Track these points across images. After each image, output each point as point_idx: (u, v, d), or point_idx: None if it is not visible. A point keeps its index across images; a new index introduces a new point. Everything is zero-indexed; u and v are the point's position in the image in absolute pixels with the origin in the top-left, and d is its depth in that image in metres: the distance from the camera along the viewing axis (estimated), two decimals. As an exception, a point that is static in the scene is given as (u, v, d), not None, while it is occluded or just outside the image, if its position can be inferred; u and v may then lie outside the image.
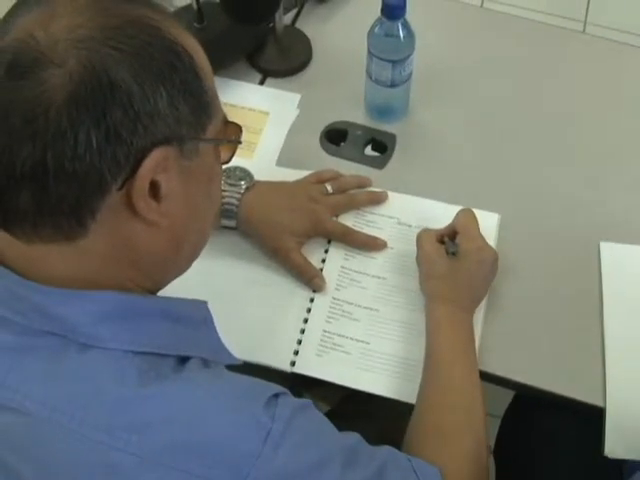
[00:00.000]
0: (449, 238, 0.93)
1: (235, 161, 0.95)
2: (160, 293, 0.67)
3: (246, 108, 1.13)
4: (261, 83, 1.17)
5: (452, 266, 0.89)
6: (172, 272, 0.67)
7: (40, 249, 0.58)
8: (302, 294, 0.96)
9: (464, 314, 0.88)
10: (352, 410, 1.02)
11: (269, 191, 0.98)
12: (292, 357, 0.91)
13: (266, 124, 1.12)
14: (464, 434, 0.79)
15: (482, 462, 0.78)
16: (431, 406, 0.82)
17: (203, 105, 0.59)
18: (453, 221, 0.94)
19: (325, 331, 0.93)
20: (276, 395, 0.60)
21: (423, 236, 0.93)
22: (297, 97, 1.14)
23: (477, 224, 0.93)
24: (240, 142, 0.67)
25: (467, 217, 0.94)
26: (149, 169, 0.55)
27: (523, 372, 0.90)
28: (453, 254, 0.89)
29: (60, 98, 0.52)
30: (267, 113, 1.13)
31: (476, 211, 1.00)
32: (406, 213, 1.00)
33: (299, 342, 0.92)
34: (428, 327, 0.88)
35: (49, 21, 0.53)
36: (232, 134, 0.66)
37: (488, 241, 0.98)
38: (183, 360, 0.60)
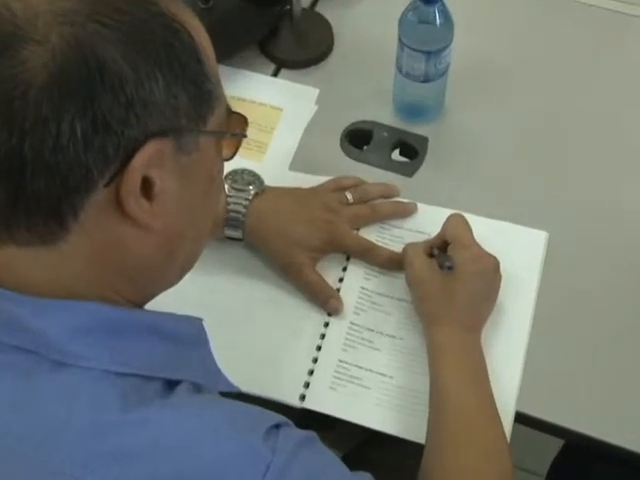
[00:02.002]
0: (440, 250, 0.93)
1: (243, 163, 0.98)
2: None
3: (256, 103, 1.14)
4: (274, 75, 1.19)
5: (448, 282, 0.90)
6: (161, 283, 0.68)
7: (13, 253, 0.58)
8: (316, 317, 0.96)
9: (469, 335, 0.89)
10: (371, 458, 1.02)
11: (281, 198, 0.99)
12: (302, 390, 0.91)
13: (279, 122, 1.13)
14: (486, 476, 0.79)
15: None
16: (442, 447, 0.82)
17: (204, 93, 0.60)
18: (442, 229, 0.95)
19: (341, 361, 0.93)
20: (277, 425, 0.60)
21: (410, 252, 0.94)
22: (315, 92, 1.16)
23: (470, 230, 0.94)
24: (245, 135, 0.68)
25: (458, 223, 0.94)
26: (141, 164, 0.56)
27: (573, 417, 0.90)
28: (449, 269, 0.89)
29: (41, 80, 0.52)
30: (280, 109, 1.14)
31: (521, 228, 1.01)
32: (438, 228, 0.99)
33: (310, 373, 0.92)
34: (429, 354, 0.89)
35: None
36: (236, 127, 0.66)
37: (534, 263, 0.98)
38: (172, 384, 0.61)
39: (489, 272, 0.92)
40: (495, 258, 0.92)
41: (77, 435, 0.56)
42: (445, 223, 0.95)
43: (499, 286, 0.93)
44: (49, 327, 0.58)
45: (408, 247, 0.95)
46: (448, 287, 0.90)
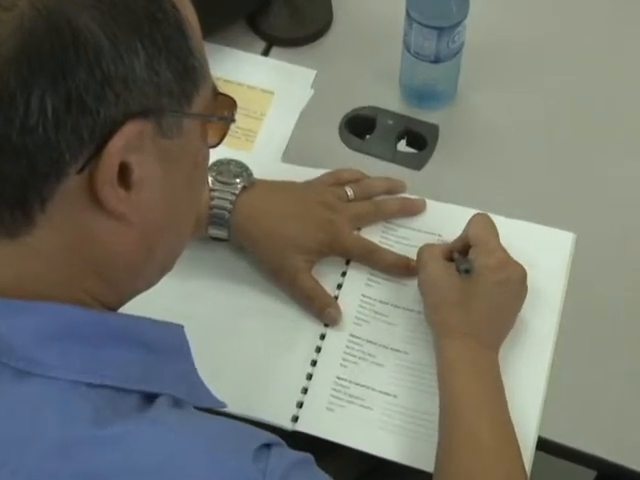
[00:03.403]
0: (460, 254, 0.94)
1: (229, 153, 0.98)
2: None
3: (244, 85, 1.15)
4: (265, 54, 1.20)
5: (466, 289, 0.90)
6: (139, 284, 0.69)
7: (-29, 247, 0.59)
8: (311, 328, 0.97)
9: (486, 351, 0.89)
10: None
11: (272, 194, 1.00)
12: (294, 410, 0.91)
13: (270, 107, 1.14)
14: None
15: None
16: (453, 476, 0.82)
17: (189, 71, 0.61)
18: (464, 231, 0.95)
19: (339, 378, 0.94)
20: (268, 445, 0.61)
21: (425, 253, 0.95)
22: (311, 74, 1.17)
23: (496, 233, 0.94)
24: (234, 120, 0.69)
25: (482, 224, 0.95)
26: (119, 147, 0.57)
27: (605, 444, 0.90)
28: (466, 272, 0.90)
29: (7, 50, 0.53)
30: (272, 93, 1.15)
31: (544, 229, 1.02)
32: (450, 228, 1.01)
33: (304, 391, 0.93)
34: (440, 371, 0.89)
35: None
36: (223, 110, 0.67)
37: (560, 269, 0.99)
38: (149, 397, 0.62)
39: (514, 283, 0.92)
40: (522, 267, 0.92)
41: (42, 453, 0.56)
42: (468, 224, 0.95)
43: (524, 299, 0.94)
44: (12, 331, 0.59)
45: (424, 248, 0.96)
46: (466, 296, 0.90)
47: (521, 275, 0.92)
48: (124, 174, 0.59)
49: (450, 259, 0.94)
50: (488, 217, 0.96)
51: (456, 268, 0.92)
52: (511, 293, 0.93)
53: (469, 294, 0.90)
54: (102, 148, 0.57)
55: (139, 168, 0.59)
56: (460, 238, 0.96)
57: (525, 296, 0.94)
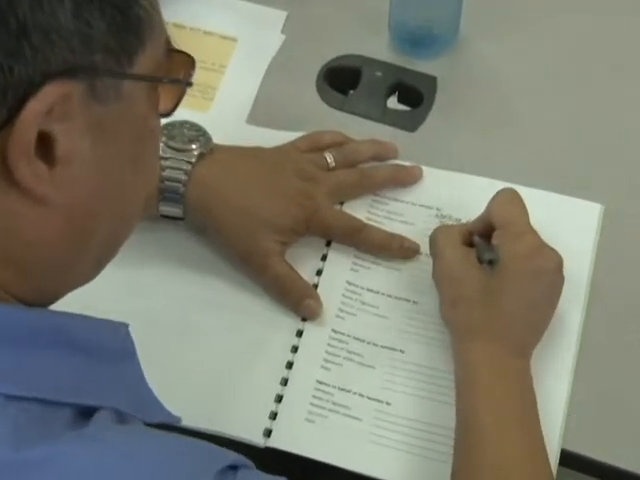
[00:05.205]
0: (482, 237, 0.94)
1: (182, 114, 0.97)
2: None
3: (200, 31, 1.16)
4: (226, -8, 1.20)
5: (490, 283, 0.90)
6: (69, 279, 0.68)
7: None
8: (285, 324, 0.97)
9: (514, 357, 0.89)
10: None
11: (236, 162, 1.00)
12: (267, 423, 0.92)
13: (232, 57, 1.14)
14: None
15: None
16: None
17: (132, 21, 0.60)
18: (487, 209, 0.95)
19: (320, 383, 0.94)
20: (233, 467, 0.61)
21: (441, 236, 0.95)
22: (282, 15, 1.17)
23: (525, 212, 0.94)
24: (190, 83, 0.68)
25: (509, 202, 0.95)
26: (37, 113, 0.56)
27: (637, 458, 0.91)
28: (490, 263, 0.90)
29: None
30: (234, 40, 1.15)
31: (566, 199, 1.03)
32: (450, 200, 1.02)
33: (279, 399, 0.93)
34: (458, 378, 0.90)
35: None
36: (179, 70, 0.67)
37: (585, 246, 1.00)
38: (86, 412, 0.61)
39: (548, 273, 0.92)
40: (557, 253, 0.92)
41: None
42: (492, 201, 0.95)
43: (560, 292, 0.93)
44: None
45: (440, 231, 0.96)
46: (490, 291, 0.90)
47: (556, 263, 0.92)
48: (45, 145, 0.58)
49: (470, 243, 0.94)
50: (515, 193, 0.95)
51: (477, 257, 0.92)
52: (545, 286, 0.92)
53: (494, 289, 0.90)
54: (16, 114, 0.56)
55: (65, 139, 0.59)
56: (481, 218, 0.96)
57: (561, 288, 0.93)
